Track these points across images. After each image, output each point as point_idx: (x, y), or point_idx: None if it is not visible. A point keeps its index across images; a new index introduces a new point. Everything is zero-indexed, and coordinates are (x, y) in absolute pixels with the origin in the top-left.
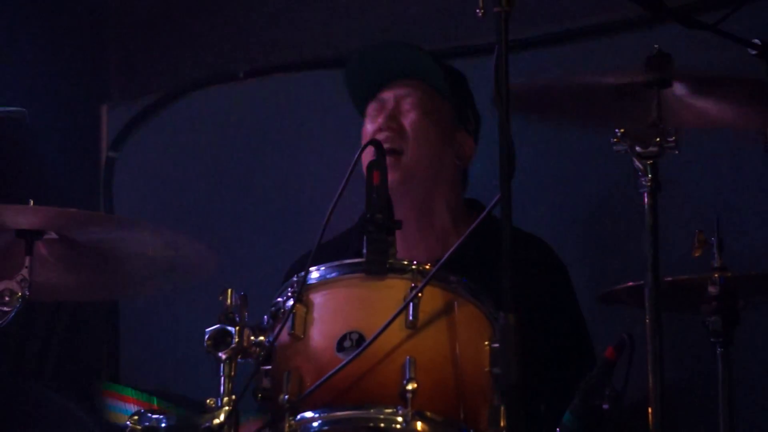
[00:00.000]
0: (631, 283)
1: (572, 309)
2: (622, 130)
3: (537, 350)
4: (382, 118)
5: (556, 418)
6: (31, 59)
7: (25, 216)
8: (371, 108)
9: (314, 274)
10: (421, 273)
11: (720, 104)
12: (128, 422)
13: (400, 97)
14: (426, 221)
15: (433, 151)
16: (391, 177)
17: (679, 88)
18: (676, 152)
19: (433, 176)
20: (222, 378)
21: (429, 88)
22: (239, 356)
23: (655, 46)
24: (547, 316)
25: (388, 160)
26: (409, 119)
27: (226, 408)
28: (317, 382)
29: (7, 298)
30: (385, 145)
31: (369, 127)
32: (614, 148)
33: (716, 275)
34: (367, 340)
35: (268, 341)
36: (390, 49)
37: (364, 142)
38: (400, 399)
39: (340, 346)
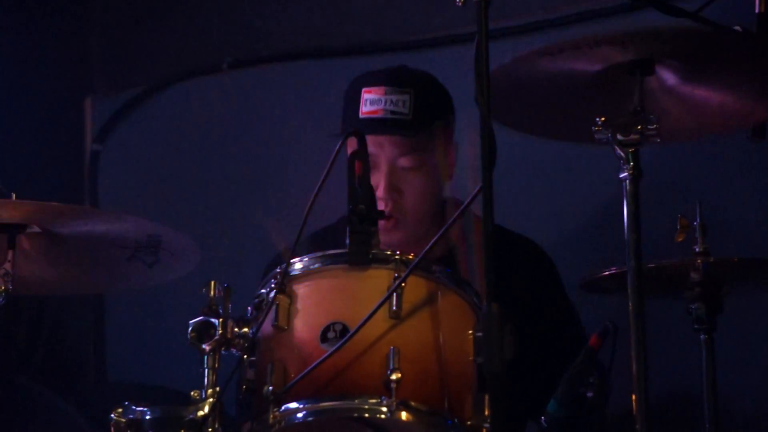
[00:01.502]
0: (613, 270)
1: (563, 303)
2: (603, 119)
3: (530, 347)
4: (381, 186)
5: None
6: (14, 52)
7: (6, 210)
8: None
9: (297, 265)
10: (404, 263)
11: (706, 89)
12: (113, 415)
13: (393, 157)
14: (423, 240)
15: (431, 200)
16: (392, 238)
17: (664, 76)
18: (658, 140)
19: (430, 214)
20: (206, 370)
21: (420, 139)
22: (223, 348)
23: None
24: (538, 314)
25: (387, 224)
26: (407, 185)
27: (210, 400)
28: (301, 374)
29: None
30: (385, 212)
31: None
32: (595, 136)
33: (699, 261)
34: (351, 331)
35: (252, 333)
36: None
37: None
38: (385, 389)
39: (323, 337)
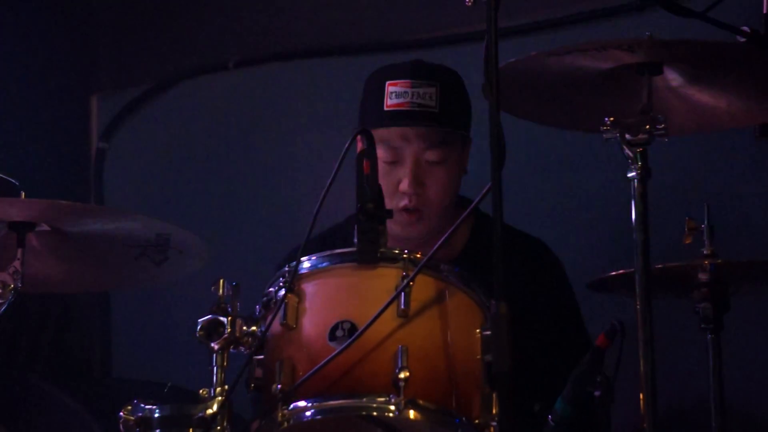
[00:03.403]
0: (621, 271)
1: (569, 304)
2: (611, 119)
3: (534, 346)
4: (405, 180)
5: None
6: (20, 49)
7: (16, 208)
8: (382, 151)
9: (306, 263)
10: (413, 262)
11: (712, 93)
12: (121, 413)
13: (420, 151)
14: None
15: (453, 193)
16: (413, 232)
17: (670, 76)
18: (666, 140)
19: (450, 207)
20: (214, 368)
21: (446, 132)
22: (231, 346)
23: (647, 33)
24: (543, 313)
25: (410, 217)
26: (432, 180)
27: (219, 398)
28: (310, 372)
29: None
30: (410, 206)
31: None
32: (604, 136)
33: (706, 262)
34: (359, 330)
35: (261, 331)
36: (417, 94)
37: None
38: (393, 387)
39: (332, 336)
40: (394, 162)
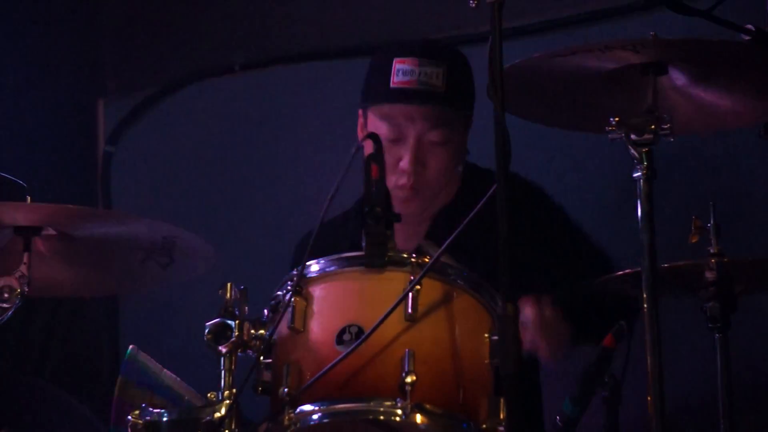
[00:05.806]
0: (628, 270)
1: (574, 236)
2: (617, 119)
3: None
4: (406, 159)
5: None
6: (27, 54)
7: (22, 213)
8: (385, 128)
9: (314, 267)
10: (420, 266)
11: (717, 92)
12: (129, 417)
13: (423, 131)
14: (430, 209)
15: (450, 175)
16: (408, 208)
17: (675, 75)
18: (671, 139)
19: (445, 185)
20: (222, 372)
21: (450, 113)
22: (239, 350)
23: (651, 33)
24: (548, 249)
25: (407, 193)
26: (433, 160)
27: (227, 401)
28: (316, 375)
29: (6, 295)
30: (407, 185)
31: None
32: (609, 136)
33: (713, 261)
34: (366, 333)
35: (268, 334)
36: (425, 68)
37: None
38: (400, 391)
39: (339, 339)
40: (397, 139)
